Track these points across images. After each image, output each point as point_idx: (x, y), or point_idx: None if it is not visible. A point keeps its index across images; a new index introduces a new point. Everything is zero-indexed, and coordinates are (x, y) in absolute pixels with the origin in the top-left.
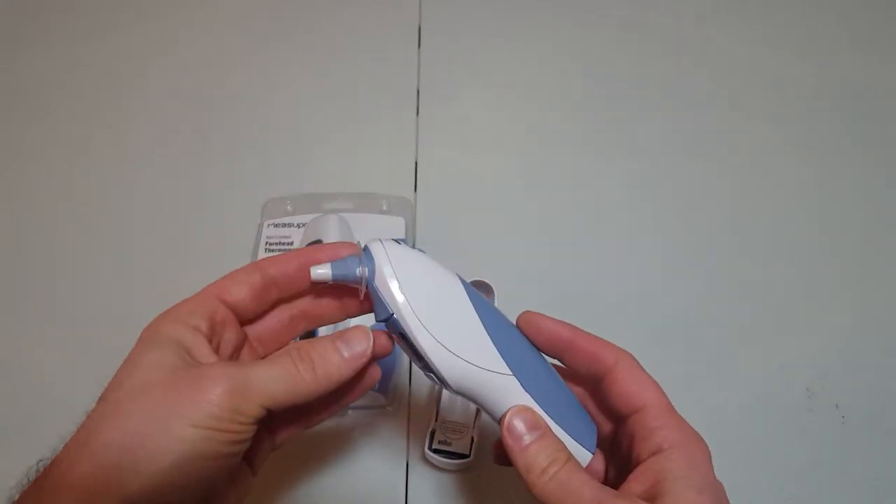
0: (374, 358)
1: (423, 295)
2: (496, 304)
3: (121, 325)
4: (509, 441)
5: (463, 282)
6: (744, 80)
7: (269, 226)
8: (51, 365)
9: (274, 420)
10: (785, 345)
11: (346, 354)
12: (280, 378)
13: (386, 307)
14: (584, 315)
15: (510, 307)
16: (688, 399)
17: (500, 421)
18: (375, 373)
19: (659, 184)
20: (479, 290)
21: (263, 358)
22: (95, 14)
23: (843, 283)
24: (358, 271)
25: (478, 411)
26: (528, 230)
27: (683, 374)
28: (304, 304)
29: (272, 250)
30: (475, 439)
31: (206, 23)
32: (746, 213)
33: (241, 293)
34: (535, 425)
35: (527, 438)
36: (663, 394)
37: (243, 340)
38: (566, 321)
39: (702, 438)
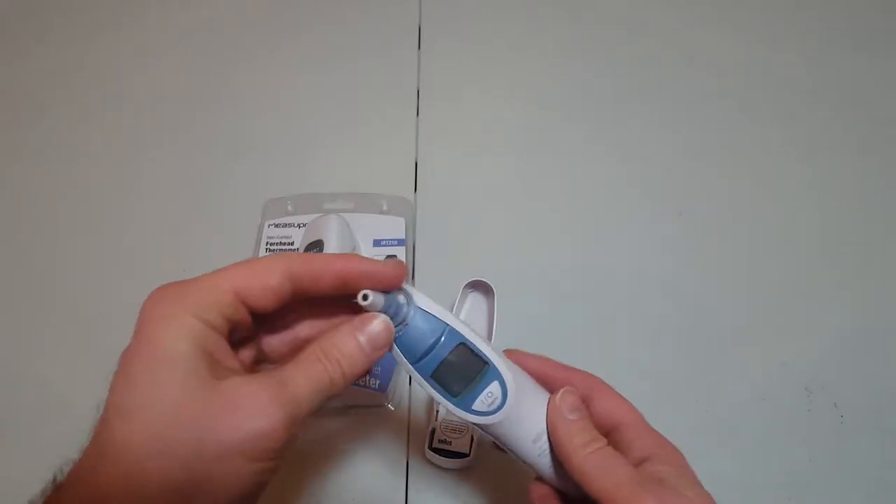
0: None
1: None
2: (496, 305)
3: (121, 325)
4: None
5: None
6: (744, 81)
7: (269, 226)
8: (50, 366)
9: None
10: (785, 344)
11: (367, 350)
12: (319, 390)
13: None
14: (584, 315)
15: (510, 307)
16: (688, 399)
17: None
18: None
19: (659, 183)
20: (479, 291)
21: (278, 363)
22: (95, 14)
23: (843, 283)
24: None
25: None
26: (528, 230)
27: (683, 374)
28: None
29: (272, 251)
30: (475, 438)
31: (206, 23)
32: (746, 213)
33: (265, 299)
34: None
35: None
36: (636, 410)
37: (257, 340)
38: (543, 355)
39: (677, 448)
